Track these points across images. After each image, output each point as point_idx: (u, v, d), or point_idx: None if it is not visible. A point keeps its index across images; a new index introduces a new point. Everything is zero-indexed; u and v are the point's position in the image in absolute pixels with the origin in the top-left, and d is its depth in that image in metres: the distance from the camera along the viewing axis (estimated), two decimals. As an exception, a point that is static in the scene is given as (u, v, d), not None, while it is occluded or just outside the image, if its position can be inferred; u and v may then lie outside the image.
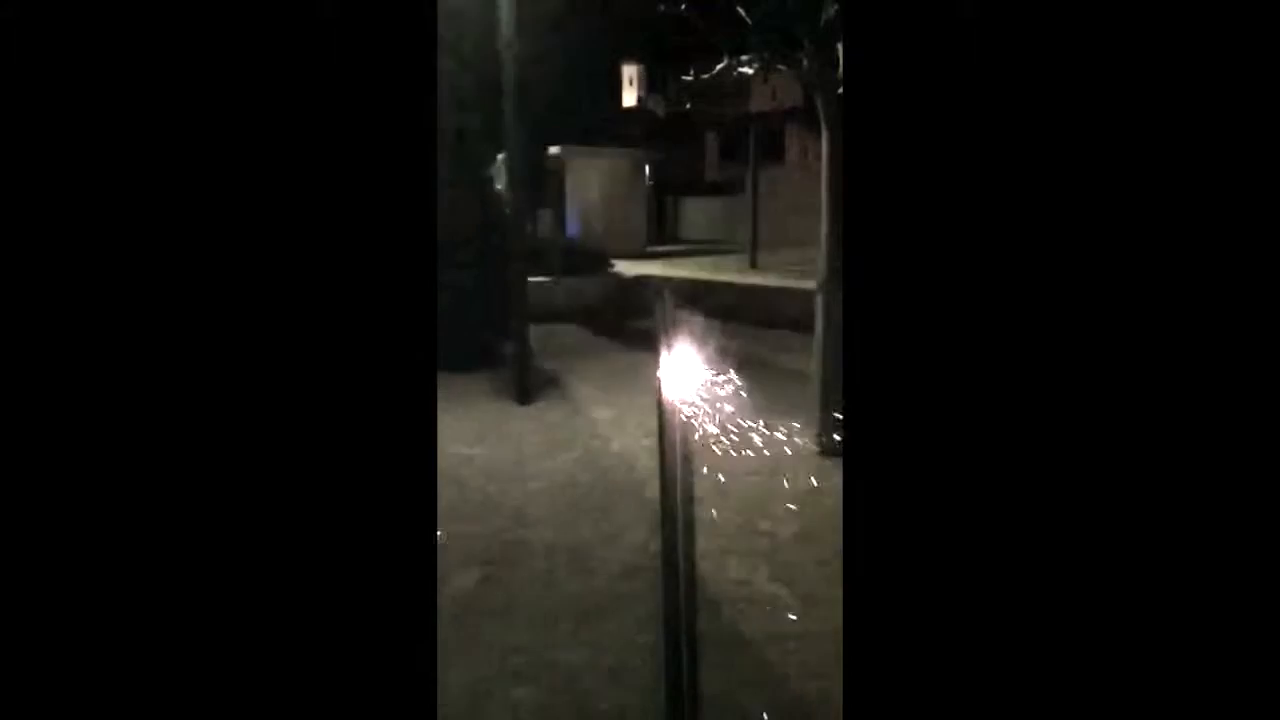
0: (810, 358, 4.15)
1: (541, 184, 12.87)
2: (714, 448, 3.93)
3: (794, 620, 2.43)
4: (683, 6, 3.97)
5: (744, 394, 4.86)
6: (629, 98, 18.41)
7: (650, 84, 17.95)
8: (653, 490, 3.24)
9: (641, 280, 9.66)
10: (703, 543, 1.84)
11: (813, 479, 3.65)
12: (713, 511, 3.20)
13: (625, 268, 10.49)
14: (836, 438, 3.90)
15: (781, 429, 4.35)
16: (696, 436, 1.66)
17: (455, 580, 2.72)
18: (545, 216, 13.38)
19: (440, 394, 4.67)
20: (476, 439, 4.44)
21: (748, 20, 3.79)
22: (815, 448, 4.03)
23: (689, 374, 1.60)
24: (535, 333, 5.63)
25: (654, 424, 1.69)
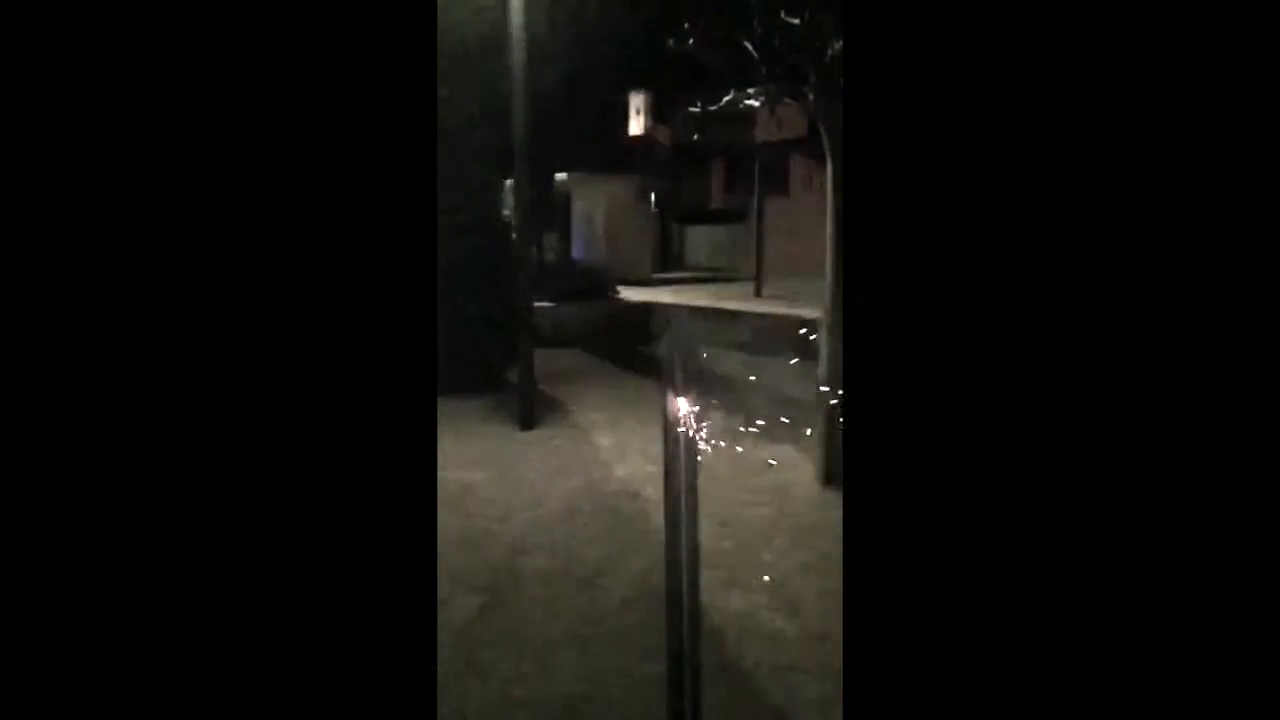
0: (813, 386, 4.15)
1: (548, 210, 12.99)
2: (716, 475, 3.91)
3: (795, 653, 2.40)
4: (691, 41, 4.04)
5: (748, 422, 4.85)
6: (636, 126, 18.62)
7: (657, 113, 18.17)
8: (654, 518, 3.22)
9: (646, 306, 9.68)
10: (704, 573, 1.83)
11: (814, 509, 3.63)
12: (712, 541, 3.18)
13: (630, 294, 10.53)
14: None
15: (785, 457, 4.33)
16: (699, 462, 1.66)
17: (456, 608, 2.69)
18: (551, 242, 13.49)
19: (442, 418, 4.66)
20: (478, 464, 4.42)
21: (755, 54, 3.85)
22: (818, 477, 4.01)
23: (694, 401, 1.60)
24: (539, 357, 5.64)
25: (656, 450, 1.69)
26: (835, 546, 3.16)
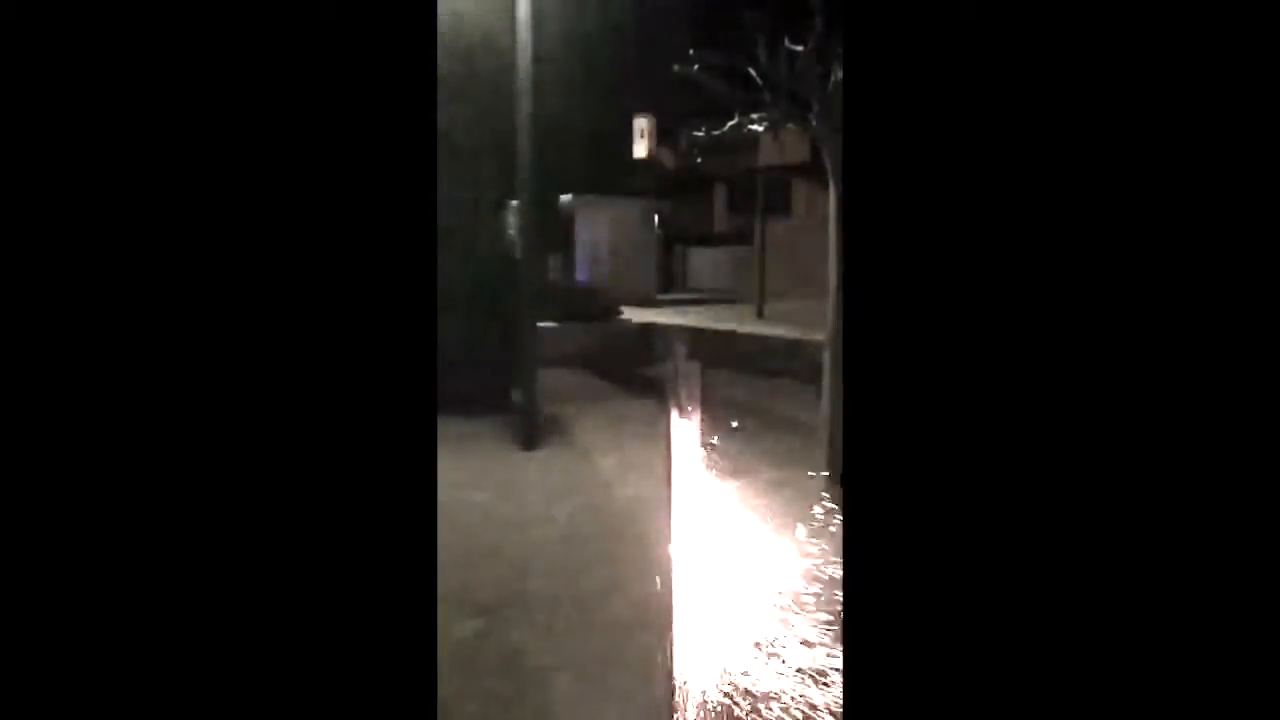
0: (816, 409, 4.15)
1: (551, 231, 13.07)
2: (718, 500, 3.89)
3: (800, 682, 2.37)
4: (696, 68, 4.10)
5: (751, 445, 4.84)
6: (640, 149, 18.79)
7: (661, 136, 18.34)
8: (656, 541, 3.20)
9: (649, 328, 9.70)
10: (705, 598, 1.81)
11: (817, 536, 3.61)
12: (714, 563, 3.15)
13: (633, 315, 10.55)
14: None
15: (788, 481, 4.32)
16: (703, 487, 1.65)
17: (455, 630, 2.67)
18: (554, 262, 13.56)
19: (443, 438, 4.64)
20: (480, 484, 4.41)
21: (759, 81, 3.91)
22: (823, 500, 4.00)
23: (697, 423, 1.61)
24: (541, 377, 5.64)
25: (658, 471, 1.69)
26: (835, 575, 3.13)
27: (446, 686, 2.28)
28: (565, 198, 13.94)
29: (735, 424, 5.20)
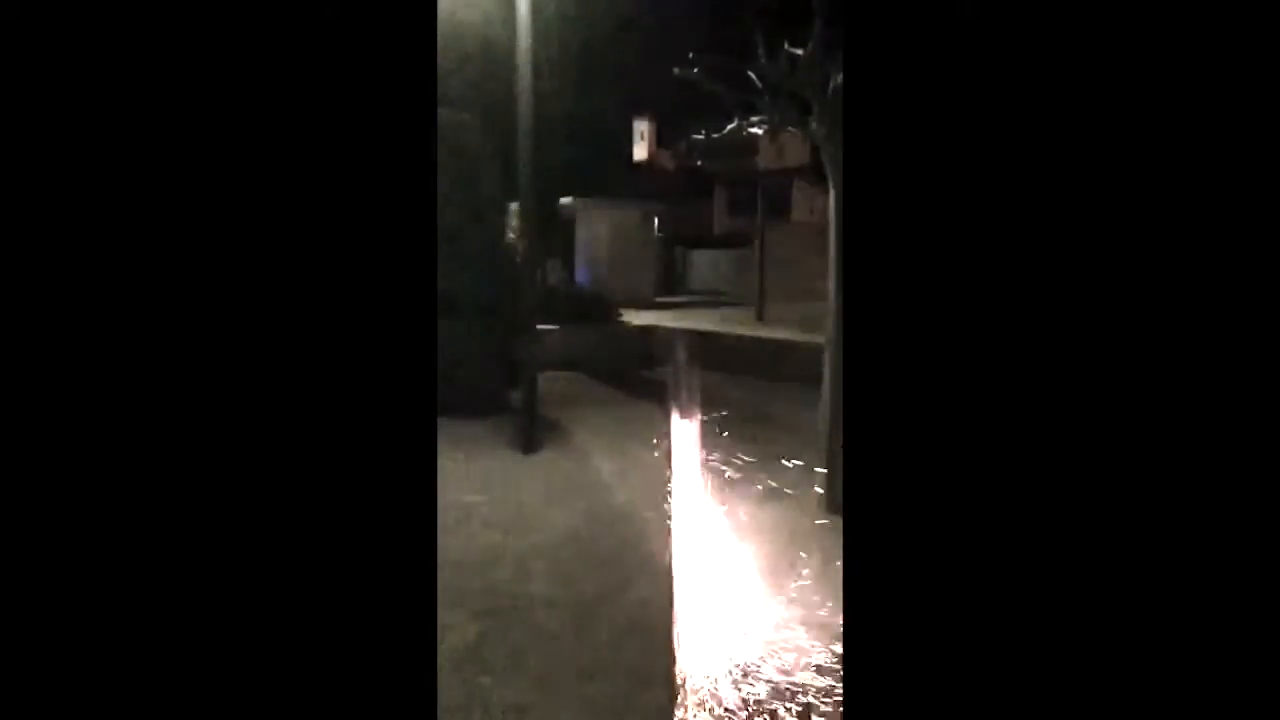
0: (815, 412, 4.15)
1: (552, 233, 13.10)
2: (716, 502, 3.89)
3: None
4: (696, 70, 4.11)
5: (750, 447, 4.84)
6: (640, 152, 18.80)
7: (661, 139, 18.36)
8: (655, 545, 3.20)
9: (649, 330, 9.71)
10: (705, 600, 1.81)
11: (816, 536, 3.60)
12: (713, 567, 3.15)
13: (633, 317, 10.55)
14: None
15: (789, 483, 4.31)
16: (700, 490, 1.65)
17: (455, 633, 2.67)
18: (554, 265, 13.58)
19: (443, 441, 4.65)
20: (479, 487, 4.41)
21: (759, 84, 3.91)
22: (821, 503, 4.00)
23: (697, 426, 1.61)
24: (540, 380, 5.64)
25: (657, 475, 1.69)
26: (835, 574, 3.12)
27: (447, 692, 2.27)
28: (566, 200, 13.96)
29: (734, 427, 5.19)
